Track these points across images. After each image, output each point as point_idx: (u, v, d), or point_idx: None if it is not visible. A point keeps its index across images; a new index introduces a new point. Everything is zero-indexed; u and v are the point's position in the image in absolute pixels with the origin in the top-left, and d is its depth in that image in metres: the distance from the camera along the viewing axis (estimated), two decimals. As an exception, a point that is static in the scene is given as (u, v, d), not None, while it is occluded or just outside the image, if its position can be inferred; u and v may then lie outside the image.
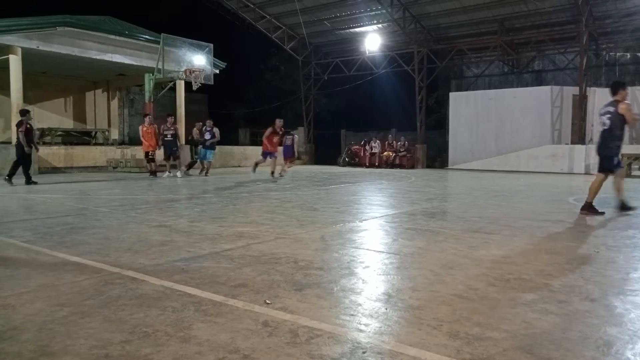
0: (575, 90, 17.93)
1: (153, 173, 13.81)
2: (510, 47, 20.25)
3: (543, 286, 3.22)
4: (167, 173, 13.94)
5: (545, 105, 18.14)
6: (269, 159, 12.95)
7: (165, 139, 13.90)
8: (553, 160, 17.42)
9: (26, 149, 11.00)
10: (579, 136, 17.51)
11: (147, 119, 14.14)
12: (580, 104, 17.65)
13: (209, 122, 14.78)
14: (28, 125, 11.12)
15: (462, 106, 20.32)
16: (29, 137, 11.11)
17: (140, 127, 14.21)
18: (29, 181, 11.09)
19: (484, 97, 19.96)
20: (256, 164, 13.34)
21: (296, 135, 15.48)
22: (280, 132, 12.99)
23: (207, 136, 14.47)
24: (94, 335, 2.32)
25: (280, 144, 13.49)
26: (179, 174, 13.97)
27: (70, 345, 2.21)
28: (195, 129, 15.13)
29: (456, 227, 5.56)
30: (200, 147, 14.84)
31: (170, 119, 14.38)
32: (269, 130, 12.70)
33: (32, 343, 2.23)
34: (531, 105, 18.28)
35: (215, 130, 14.69)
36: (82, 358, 2.08)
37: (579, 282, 3.35)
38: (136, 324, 2.47)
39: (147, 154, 13.95)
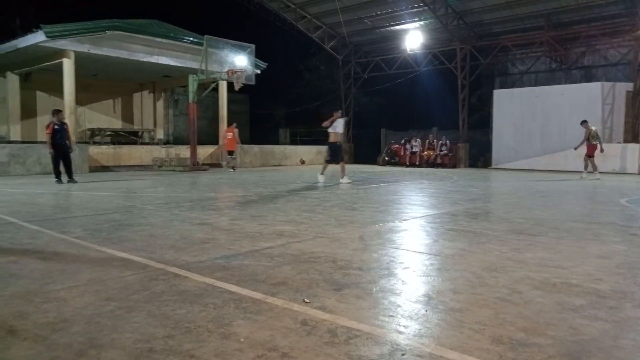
0: (628, 86, 17.14)
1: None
2: (558, 43, 19.54)
3: (592, 291, 3.08)
4: (345, 179, 11.59)
5: (595, 102, 17.41)
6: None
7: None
8: (603, 160, 16.68)
9: (49, 151, 10.93)
10: (632, 135, 16.73)
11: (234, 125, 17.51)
12: (634, 101, 16.87)
13: None
14: (56, 126, 10.92)
15: (506, 104, 19.80)
16: (57, 138, 10.91)
17: (235, 131, 17.26)
18: (57, 178, 11.04)
19: (530, 94, 19.37)
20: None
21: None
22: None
23: None
24: (138, 330, 2.39)
25: None
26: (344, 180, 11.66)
27: (117, 338, 2.29)
28: None
29: (500, 229, 5.42)
30: None
31: (338, 114, 11.87)
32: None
33: (81, 335, 2.32)
34: (580, 103, 17.59)
35: None
36: (128, 352, 2.14)
37: (632, 287, 3.20)
38: (179, 320, 2.53)
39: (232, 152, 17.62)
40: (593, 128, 13.50)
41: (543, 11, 18.71)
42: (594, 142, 13.41)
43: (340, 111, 12.07)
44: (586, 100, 17.54)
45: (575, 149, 13.66)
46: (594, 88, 17.77)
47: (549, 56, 20.97)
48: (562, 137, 17.90)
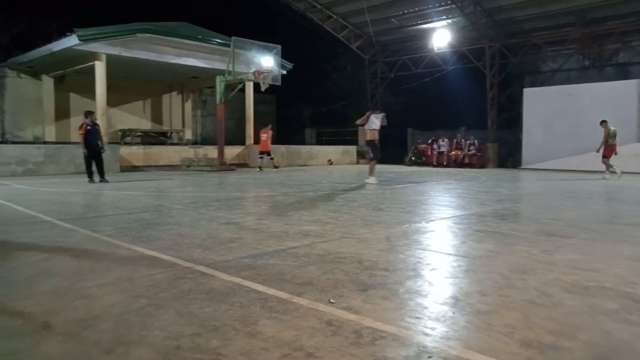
0: (666, 83, 16.56)
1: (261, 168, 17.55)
2: (591, 39, 19.00)
3: (624, 294, 2.99)
4: (372, 179, 11.34)
5: (630, 100, 16.87)
6: None
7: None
8: (637, 160, 16.14)
9: (83, 151, 11.21)
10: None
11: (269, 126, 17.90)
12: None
13: None
14: (89, 127, 11.19)
15: (537, 102, 19.36)
16: (90, 138, 11.18)
17: (269, 132, 17.63)
18: (89, 178, 11.34)
19: (561, 93, 18.88)
20: None
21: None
22: None
23: None
24: (166, 327, 2.43)
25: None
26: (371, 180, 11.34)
27: (145, 336, 2.33)
28: None
29: (529, 230, 5.31)
30: None
31: (376, 111, 11.74)
32: None
33: (110, 332, 2.37)
34: (613, 101, 17.04)
35: None
36: (156, 349, 2.18)
37: (668, 291, 3.09)
38: (206, 318, 2.56)
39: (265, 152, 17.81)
40: (612, 128, 13.13)
41: (575, 7, 18.22)
42: (612, 143, 13.03)
43: (378, 110, 11.72)
44: (620, 99, 17.00)
45: (598, 151, 13.29)
46: (629, 86, 17.23)
47: (582, 53, 20.40)
48: (593, 136, 17.35)
